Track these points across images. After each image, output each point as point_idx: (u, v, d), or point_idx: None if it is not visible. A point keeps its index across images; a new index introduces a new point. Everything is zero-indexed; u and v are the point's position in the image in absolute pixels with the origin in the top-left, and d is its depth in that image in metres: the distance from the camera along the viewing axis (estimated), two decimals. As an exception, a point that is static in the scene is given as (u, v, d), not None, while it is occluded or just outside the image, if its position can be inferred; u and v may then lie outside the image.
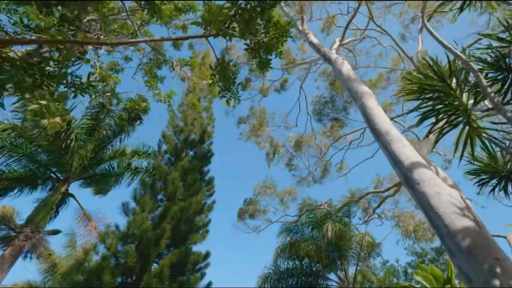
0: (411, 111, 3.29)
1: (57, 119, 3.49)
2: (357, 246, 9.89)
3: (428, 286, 3.70)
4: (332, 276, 10.25)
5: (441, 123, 3.08)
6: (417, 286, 3.89)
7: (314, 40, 6.99)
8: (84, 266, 7.67)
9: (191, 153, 13.41)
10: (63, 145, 9.42)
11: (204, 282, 9.15)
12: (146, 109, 11.19)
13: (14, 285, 12.98)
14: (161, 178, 10.70)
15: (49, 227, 11.41)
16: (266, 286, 9.97)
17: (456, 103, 2.79)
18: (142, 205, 9.36)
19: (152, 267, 8.44)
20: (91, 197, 11.94)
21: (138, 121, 11.73)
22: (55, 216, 11.24)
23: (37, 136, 8.28)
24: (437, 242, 10.86)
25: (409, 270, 11.22)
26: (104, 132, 11.02)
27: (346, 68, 5.29)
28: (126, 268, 7.68)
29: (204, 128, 14.07)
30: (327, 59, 6.07)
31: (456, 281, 3.73)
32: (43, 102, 3.25)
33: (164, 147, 13.08)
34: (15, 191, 10.07)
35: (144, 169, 11.59)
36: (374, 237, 10.16)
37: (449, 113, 2.84)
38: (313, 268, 10.07)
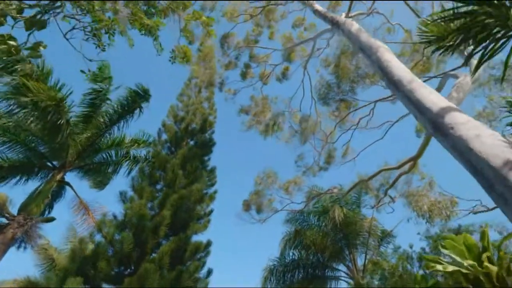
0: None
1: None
2: (366, 234, 9.32)
3: (459, 259, 3.19)
4: (340, 266, 9.74)
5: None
6: (445, 260, 3.38)
7: (320, 8, 6.52)
8: (79, 255, 7.26)
9: (191, 142, 13.00)
10: (57, 130, 9.06)
11: (205, 271, 8.71)
12: (146, 94, 10.85)
13: (14, 281, 12.67)
14: (160, 166, 10.29)
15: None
16: (271, 279, 9.49)
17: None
18: (140, 193, 8.95)
19: (151, 256, 7.99)
20: (89, 189, 11.54)
21: (138, 109, 11.46)
22: (51, 208, 10.90)
23: (28, 116, 7.88)
24: (454, 222, 10.08)
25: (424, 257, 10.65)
26: (102, 120, 10.63)
27: (355, 27, 4.81)
28: (122, 255, 7.26)
29: (205, 117, 13.63)
30: (335, 24, 5.59)
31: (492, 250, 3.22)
32: (12, 42, 2.81)
33: (164, 136, 12.70)
34: (9, 179, 9.71)
35: (143, 158, 11.16)
36: (385, 224, 9.62)
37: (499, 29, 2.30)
38: (320, 259, 9.56)
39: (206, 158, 12.46)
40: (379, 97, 9.43)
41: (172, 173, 9.79)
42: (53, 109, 7.59)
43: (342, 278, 9.58)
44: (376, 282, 7.81)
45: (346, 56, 8.13)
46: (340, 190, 9.54)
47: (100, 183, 11.41)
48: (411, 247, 9.26)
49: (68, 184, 10.15)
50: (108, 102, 10.81)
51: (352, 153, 10.68)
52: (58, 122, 8.09)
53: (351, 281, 9.25)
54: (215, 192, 11.90)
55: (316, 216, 9.89)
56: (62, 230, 12.97)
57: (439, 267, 3.33)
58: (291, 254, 9.77)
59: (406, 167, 7.66)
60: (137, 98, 10.50)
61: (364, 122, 9.95)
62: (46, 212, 10.94)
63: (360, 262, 9.55)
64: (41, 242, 9.49)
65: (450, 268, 3.25)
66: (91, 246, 7.84)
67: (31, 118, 8.06)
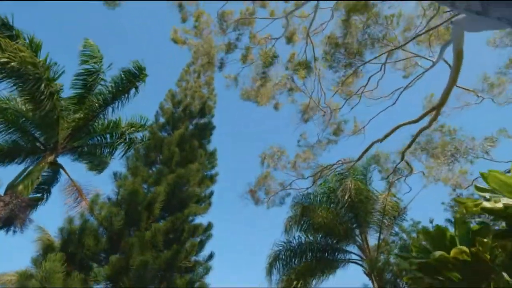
0: None
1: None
2: (380, 211, 8.51)
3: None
4: (351, 248, 8.99)
5: None
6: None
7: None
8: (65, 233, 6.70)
9: (191, 126, 12.46)
10: (44, 105, 8.62)
11: (206, 254, 8.07)
12: (141, 73, 10.35)
13: (16, 273, 12.30)
14: (156, 146, 9.74)
15: (43, 208, 10.60)
16: (277, 265, 8.78)
17: None
18: (134, 172, 8.40)
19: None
20: (86, 174, 11.08)
21: (134, 90, 10.98)
22: (48, 193, 10.46)
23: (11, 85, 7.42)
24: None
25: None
26: (95, 100, 10.18)
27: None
28: (112, 233, 6.67)
29: (204, 100, 13.09)
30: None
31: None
32: None
33: (162, 120, 12.19)
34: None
35: (139, 140, 10.68)
36: (401, 200, 8.78)
37: None
38: (329, 241, 8.83)
39: (205, 141, 11.90)
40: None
41: (168, 152, 9.23)
42: (33, 74, 7.10)
43: (354, 260, 8.82)
44: (393, 261, 7.03)
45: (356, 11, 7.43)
46: (350, 162, 8.78)
47: (97, 167, 10.96)
48: (431, 222, 8.43)
49: (60, 166, 9.70)
50: (102, 83, 10.38)
51: (361, 125, 9.93)
52: (43, 94, 7.61)
53: (363, 264, 8.49)
54: (216, 174, 11.33)
55: (324, 195, 9.14)
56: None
57: (487, 204, 2.62)
58: (297, 237, 9.07)
59: (426, 120, 6.88)
60: (133, 78, 10.04)
61: (374, 85, 9.16)
62: (45, 198, 10.52)
63: (373, 243, 8.78)
64: (33, 225, 8.95)
65: (503, 202, 2.54)
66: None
67: (15, 89, 7.58)
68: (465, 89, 8.69)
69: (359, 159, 8.33)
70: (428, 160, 9.28)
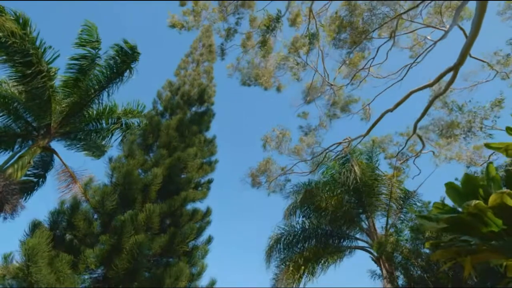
0: None
1: None
2: (386, 193, 8.05)
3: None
4: (359, 235, 8.54)
5: None
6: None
7: None
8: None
9: (189, 115, 12.08)
10: (39, 91, 8.30)
11: (203, 238, 7.68)
12: (134, 52, 9.99)
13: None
14: (154, 131, 9.37)
15: (38, 194, 10.28)
16: (279, 248, 8.36)
17: None
18: (129, 154, 8.03)
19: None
20: (80, 161, 10.71)
21: (128, 71, 10.63)
22: (43, 179, 10.11)
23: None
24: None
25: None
26: (90, 84, 9.82)
27: None
28: (105, 214, 6.29)
29: (203, 88, 12.72)
30: None
31: None
32: None
33: (160, 108, 11.83)
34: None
35: (136, 125, 10.31)
36: (407, 177, 8.32)
37: None
38: (334, 226, 8.39)
39: (204, 128, 11.52)
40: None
41: (167, 136, 8.86)
42: (21, 48, 6.73)
43: (361, 246, 8.38)
44: (407, 245, 6.54)
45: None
46: (359, 137, 8.31)
47: (93, 153, 10.60)
48: (442, 200, 7.88)
49: (53, 151, 9.33)
50: (98, 68, 10.04)
51: (367, 102, 9.48)
52: (33, 72, 7.24)
53: (371, 250, 8.06)
54: (216, 161, 10.94)
55: (328, 177, 8.70)
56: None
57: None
58: (300, 221, 8.64)
59: (442, 86, 6.43)
60: (125, 58, 9.66)
61: (383, 58, 8.73)
62: (39, 184, 10.16)
63: (381, 228, 8.34)
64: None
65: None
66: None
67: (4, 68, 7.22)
68: (478, 59, 8.28)
69: (368, 131, 7.86)
70: (440, 137, 8.82)
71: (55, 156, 9.55)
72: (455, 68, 5.89)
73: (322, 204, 8.04)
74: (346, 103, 9.38)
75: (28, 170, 9.63)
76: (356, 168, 7.70)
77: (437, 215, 2.89)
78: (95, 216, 6.68)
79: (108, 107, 10.57)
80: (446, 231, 2.84)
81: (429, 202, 6.91)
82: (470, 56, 5.96)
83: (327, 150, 8.76)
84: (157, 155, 8.26)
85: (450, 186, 3.12)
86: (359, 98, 9.42)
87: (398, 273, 6.78)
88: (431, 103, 7.31)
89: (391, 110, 7.23)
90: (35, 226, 5.33)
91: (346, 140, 8.74)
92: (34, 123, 9.50)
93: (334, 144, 8.75)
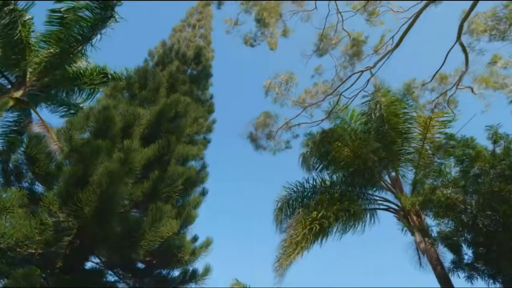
0: None
1: None
2: (420, 136, 6.57)
3: None
4: (383, 194, 7.26)
5: None
6: None
7: None
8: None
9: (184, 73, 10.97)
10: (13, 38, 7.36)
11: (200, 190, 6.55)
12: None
13: None
14: (140, 80, 8.26)
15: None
16: (287, 211, 7.16)
17: None
18: (111, 95, 6.94)
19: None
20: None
21: (112, 18, 9.59)
22: (21, 142, 9.08)
23: None
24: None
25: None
26: (72, 34, 8.80)
27: None
28: (74, 151, 5.17)
29: (199, 47, 11.61)
30: None
31: None
32: None
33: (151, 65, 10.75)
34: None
35: (123, 78, 9.23)
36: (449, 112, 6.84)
37: None
38: (355, 181, 7.11)
39: (201, 87, 10.40)
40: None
41: (154, 82, 7.74)
42: None
43: (385, 205, 7.11)
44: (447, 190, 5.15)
45: None
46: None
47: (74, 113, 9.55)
48: (494, 133, 6.13)
49: (28, 104, 8.31)
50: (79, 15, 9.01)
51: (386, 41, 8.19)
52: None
53: (395, 206, 6.79)
54: (214, 122, 9.81)
55: (344, 124, 7.37)
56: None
57: None
58: (311, 180, 7.42)
59: None
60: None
61: None
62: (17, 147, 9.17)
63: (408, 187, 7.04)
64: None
65: None
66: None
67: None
68: None
69: (402, 39, 6.32)
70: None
71: (31, 111, 8.54)
72: None
73: (340, 153, 6.73)
74: (360, 50, 8.14)
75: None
76: (383, 99, 6.33)
77: None
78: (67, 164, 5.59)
79: (93, 65, 9.57)
80: None
81: (473, 140, 5.43)
82: None
83: (343, 86, 7.47)
84: (141, 100, 7.16)
85: None
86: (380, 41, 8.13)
87: (435, 227, 5.54)
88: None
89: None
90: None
91: (368, 68, 7.46)
92: (9, 75, 8.54)
93: (354, 74, 7.42)
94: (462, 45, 7.00)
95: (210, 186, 7.71)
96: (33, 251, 4.52)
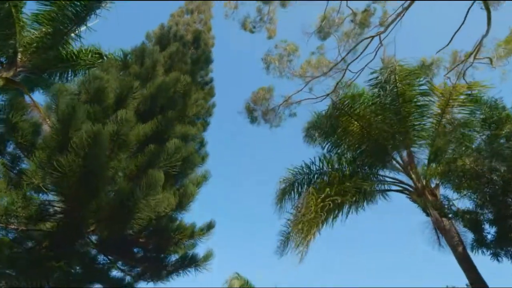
0: None
1: None
2: (440, 108, 5.99)
3: None
4: (395, 174, 6.77)
5: None
6: None
7: None
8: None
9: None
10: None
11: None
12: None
13: None
14: (137, 59, 7.87)
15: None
16: (292, 194, 6.70)
17: None
18: (104, 69, 6.54)
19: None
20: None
21: None
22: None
23: None
24: None
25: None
26: (67, 15, 8.41)
27: None
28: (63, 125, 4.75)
29: (199, 32, 11.22)
30: None
31: None
32: None
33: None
34: None
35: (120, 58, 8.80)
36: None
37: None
38: (364, 160, 6.65)
39: (201, 70, 10.01)
40: None
41: (151, 59, 7.34)
42: None
43: (398, 185, 6.64)
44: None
45: None
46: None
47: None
48: None
49: (19, 84, 7.90)
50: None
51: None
52: None
53: (407, 187, 6.34)
54: (214, 105, 9.42)
55: (351, 99, 6.86)
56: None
57: None
58: (317, 162, 6.95)
59: None
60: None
61: None
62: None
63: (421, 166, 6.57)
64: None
65: None
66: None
67: None
68: None
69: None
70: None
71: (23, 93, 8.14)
72: None
73: (348, 127, 6.25)
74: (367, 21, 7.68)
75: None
76: (397, 68, 5.80)
77: None
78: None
79: (88, 47, 9.15)
80: None
81: (502, 105, 4.89)
82: None
83: (350, 58, 7.00)
84: (137, 77, 6.75)
85: None
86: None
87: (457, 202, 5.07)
88: None
89: None
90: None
91: (379, 33, 6.98)
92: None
93: (364, 39, 6.88)
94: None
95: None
96: (15, 227, 4.10)
